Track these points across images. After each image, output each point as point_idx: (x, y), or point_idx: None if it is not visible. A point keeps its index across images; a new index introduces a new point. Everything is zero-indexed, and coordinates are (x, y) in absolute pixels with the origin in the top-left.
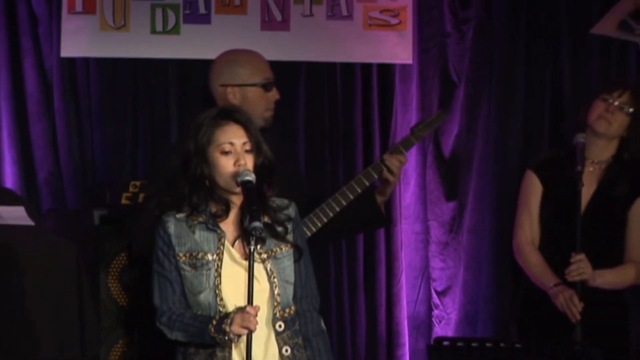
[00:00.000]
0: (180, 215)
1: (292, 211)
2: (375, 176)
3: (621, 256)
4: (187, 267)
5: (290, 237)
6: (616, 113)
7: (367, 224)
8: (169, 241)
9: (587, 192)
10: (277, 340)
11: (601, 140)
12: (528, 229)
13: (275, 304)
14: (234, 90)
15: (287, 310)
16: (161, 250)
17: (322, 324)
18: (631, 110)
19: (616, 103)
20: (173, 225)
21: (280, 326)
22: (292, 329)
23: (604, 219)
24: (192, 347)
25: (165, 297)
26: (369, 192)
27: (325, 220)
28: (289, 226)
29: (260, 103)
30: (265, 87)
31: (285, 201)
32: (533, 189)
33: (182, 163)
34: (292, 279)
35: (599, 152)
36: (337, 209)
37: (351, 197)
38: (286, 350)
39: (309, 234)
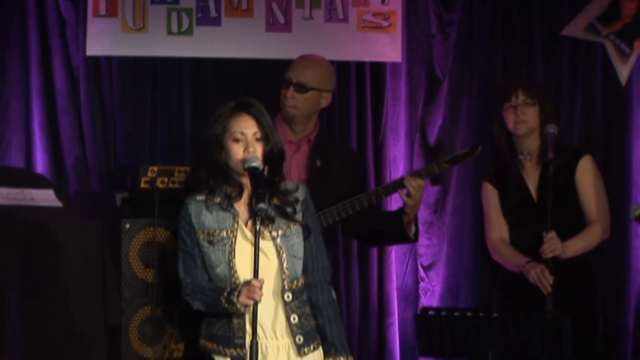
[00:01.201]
0: (200, 198)
1: (301, 193)
2: (392, 192)
3: (582, 221)
4: (205, 244)
5: (299, 217)
6: (525, 111)
7: (395, 240)
8: (190, 221)
9: (533, 180)
10: (285, 309)
11: (527, 137)
12: (496, 229)
13: (284, 276)
14: None
15: (295, 282)
16: (184, 230)
17: (333, 294)
18: (534, 100)
19: (520, 102)
20: (193, 207)
21: (288, 297)
22: (300, 299)
23: (556, 196)
24: (213, 316)
25: (189, 270)
26: (397, 212)
27: (337, 219)
28: (297, 207)
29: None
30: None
31: (295, 184)
32: (491, 196)
33: (201, 149)
34: (300, 254)
35: (530, 144)
36: (351, 212)
37: (366, 205)
38: (294, 319)
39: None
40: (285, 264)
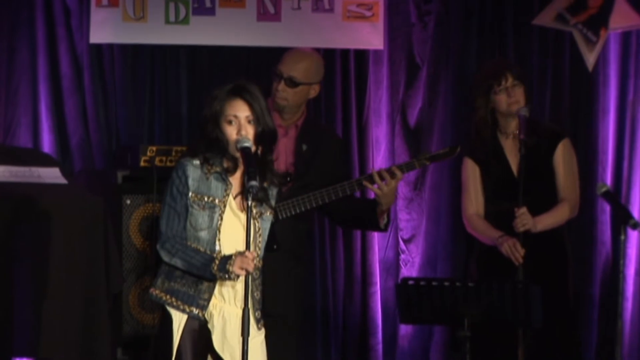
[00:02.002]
0: (196, 162)
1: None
2: (361, 187)
3: (556, 198)
4: (195, 206)
5: (272, 201)
6: (516, 91)
7: (365, 227)
8: (185, 182)
9: (514, 157)
10: (251, 284)
11: (515, 116)
12: (473, 204)
13: (256, 255)
14: None
15: (260, 262)
16: (176, 188)
17: None
18: (521, 80)
19: (510, 85)
20: (191, 169)
21: (256, 273)
22: (261, 278)
23: (534, 173)
24: (178, 270)
25: (171, 225)
26: (373, 202)
27: (314, 205)
28: (275, 193)
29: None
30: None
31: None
32: (472, 171)
33: (201, 125)
34: (266, 238)
35: (514, 123)
36: (327, 200)
37: (349, 192)
38: (257, 295)
39: (292, 212)
40: (258, 244)
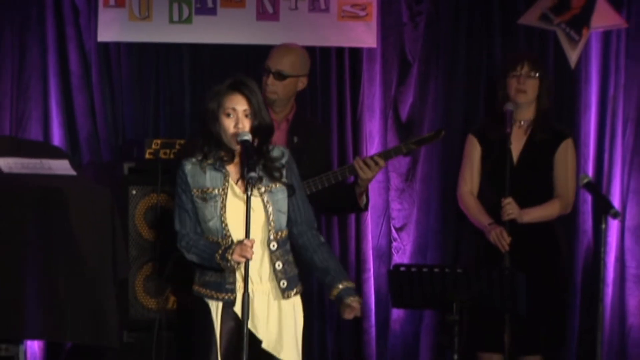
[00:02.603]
0: (194, 160)
1: (285, 158)
2: (351, 173)
3: (551, 195)
4: (199, 200)
5: (283, 179)
6: (527, 82)
7: (347, 210)
8: (185, 180)
9: (517, 146)
10: (270, 257)
11: (524, 105)
12: (469, 182)
13: (270, 228)
14: None
15: (279, 233)
16: (180, 187)
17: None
18: (537, 74)
19: (523, 74)
20: (189, 167)
21: (273, 245)
22: (284, 248)
23: (534, 166)
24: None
25: (184, 224)
26: (350, 185)
27: (308, 192)
28: (283, 171)
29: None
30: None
31: (280, 151)
32: (473, 150)
33: (200, 120)
34: (284, 208)
35: (524, 114)
36: (320, 187)
37: (340, 178)
38: (278, 265)
39: None
40: (271, 217)
